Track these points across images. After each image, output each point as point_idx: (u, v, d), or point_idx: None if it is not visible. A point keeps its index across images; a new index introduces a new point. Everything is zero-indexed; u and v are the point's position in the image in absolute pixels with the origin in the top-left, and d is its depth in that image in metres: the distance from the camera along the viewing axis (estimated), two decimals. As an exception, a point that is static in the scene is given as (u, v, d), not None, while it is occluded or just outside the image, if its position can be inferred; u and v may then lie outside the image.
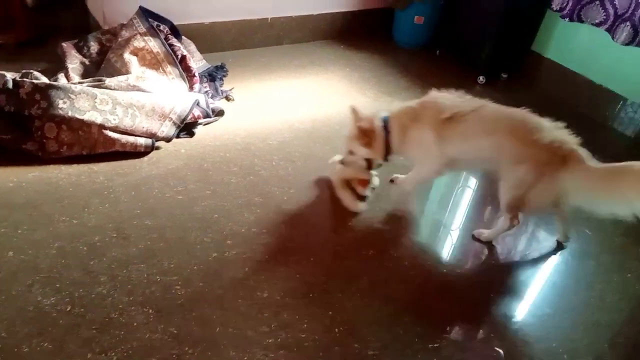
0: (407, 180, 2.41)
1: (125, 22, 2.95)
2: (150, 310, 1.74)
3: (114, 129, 2.36)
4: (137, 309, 1.74)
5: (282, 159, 2.57)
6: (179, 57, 2.84)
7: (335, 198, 2.37)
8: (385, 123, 2.23)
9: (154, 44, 2.82)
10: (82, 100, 2.32)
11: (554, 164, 1.93)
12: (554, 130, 1.98)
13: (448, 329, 1.86)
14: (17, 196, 2.12)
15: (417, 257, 2.16)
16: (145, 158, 2.45)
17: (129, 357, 1.59)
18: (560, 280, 2.16)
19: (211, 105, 2.80)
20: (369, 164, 2.33)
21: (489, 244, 2.25)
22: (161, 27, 2.94)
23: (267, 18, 3.62)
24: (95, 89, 2.40)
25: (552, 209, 2.21)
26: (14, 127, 2.31)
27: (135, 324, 1.69)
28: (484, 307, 1.99)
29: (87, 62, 2.86)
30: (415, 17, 3.88)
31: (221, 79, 3.14)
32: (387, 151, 2.27)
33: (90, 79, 2.57)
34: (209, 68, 3.15)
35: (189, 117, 2.60)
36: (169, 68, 2.78)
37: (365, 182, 2.35)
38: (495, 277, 2.13)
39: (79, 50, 2.91)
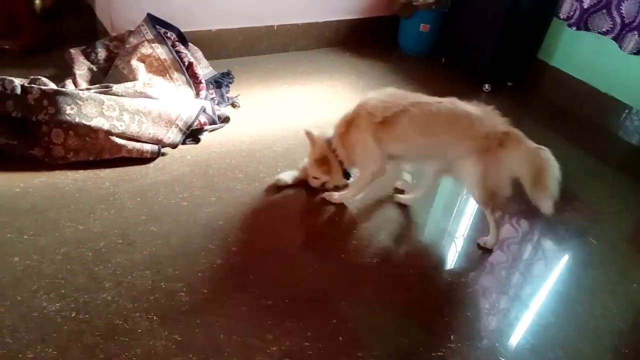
0: (351, 189, 2.37)
1: (133, 29, 2.98)
2: (155, 317, 1.74)
3: (121, 135, 2.38)
4: (142, 315, 1.74)
5: (287, 165, 2.57)
6: (186, 64, 2.86)
7: (339, 206, 2.37)
8: (330, 143, 2.27)
9: (161, 51, 2.84)
10: (90, 106, 2.34)
11: (493, 149, 2.02)
12: (484, 118, 2.05)
13: (452, 337, 1.85)
14: (23, 201, 2.13)
15: (421, 265, 2.16)
16: (151, 164, 2.46)
17: (132, 363, 1.60)
18: (565, 289, 2.15)
19: (217, 112, 2.82)
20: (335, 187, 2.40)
21: (494, 252, 2.25)
22: (168, 34, 2.96)
23: (273, 25, 3.64)
24: (103, 95, 2.41)
25: None
26: (21, 132, 2.32)
27: (139, 330, 1.69)
28: (488, 316, 1.98)
29: (94, 68, 2.89)
30: (421, 24, 3.90)
31: (227, 86, 3.16)
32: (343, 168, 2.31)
33: (97, 85, 2.59)
34: (215, 75, 3.17)
35: (195, 123, 2.61)
36: (175, 75, 2.80)
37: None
38: (499, 286, 2.13)
39: (87, 56, 2.94)
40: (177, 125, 2.55)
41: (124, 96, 2.48)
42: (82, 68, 2.84)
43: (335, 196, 2.37)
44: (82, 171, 2.33)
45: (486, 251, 2.24)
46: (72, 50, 2.94)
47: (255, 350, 1.69)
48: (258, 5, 3.51)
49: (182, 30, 3.10)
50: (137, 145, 2.43)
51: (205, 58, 3.22)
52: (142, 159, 2.46)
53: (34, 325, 1.66)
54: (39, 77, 2.50)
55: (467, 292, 2.08)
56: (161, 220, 2.15)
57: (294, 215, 2.29)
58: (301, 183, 2.45)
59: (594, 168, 3.01)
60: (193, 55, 3.04)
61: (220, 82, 3.14)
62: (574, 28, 3.28)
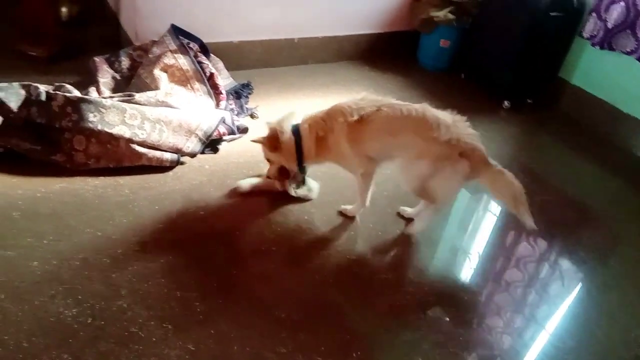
0: (358, 203, 2.37)
1: (156, 39, 3.03)
2: (169, 326, 1.74)
3: (141, 144, 2.41)
4: (157, 323, 1.75)
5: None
6: (208, 74, 2.89)
7: (354, 221, 2.36)
8: (295, 131, 2.26)
9: (183, 62, 2.87)
10: (112, 114, 2.37)
11: (452, 159, 2.03)
12: (452, 127, 2.05)
13: (468, 358, 1.83)
14: (44, 207, 2.16)
15: (436, 282, 2.14)
16: (170, 173, 2.49)
17: (146, 372, 1.60)
18: (583, 311, 2.12)
19: (236, 123, 2.84)
20: (285, 173, 2.37)
21: (512, 271, 2.22)
22: (191, 45, 3.00)
23: (294, 38, 3.67)
24: (125, 103, 2.45)
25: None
26: (44, 138, 2.36)
27: (153, 339, 1.69)
28: (506, 336, 1.96)
29: (118, 76, 2.93)
30: (441, 40, 3.90)
31: (246, 97, 3.19)
32: (301, 158, 2.29)
33: (120, 93, 2.63)
34: (235, 85, 3.20)
35: (214, 133, 2.64)
36: (197, 85, 2.83)
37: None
38: (517, 306, 2.10)
39: (111, 65, 2.98)
40: (197, 135, 2.58)
41: (146, 105, 2.51)
42: (105, 76, 2.88)
43: (349, 209, 2.37)
44: (102, 178, 2.36)
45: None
46: (97, 59, 2.99)
47: (269, 363, 1.68)
48: (279, 19, 3.55)
49: (205, 41, 3.14)
50: (157, 153, 2.45)
51: (226, 69, 3.26)
52: (161, 168, 2.48)
53: (50, 330, 1.67)
54: (63, 84, 2.56)
55: (483, 312, 2.05)
56: (178, 228, 2.17)
57: (310, 228, 2.29)
58: (264, 191, 2.45)
59: (615, 189, 2.97)
60: (214, 66, 3.08)
61: (239, 93, 3.17)
62: (598, 47, 3.26)
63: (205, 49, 3.12)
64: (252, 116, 3.06)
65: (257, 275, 2.02)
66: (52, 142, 2.36)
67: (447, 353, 1.82)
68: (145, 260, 1.99)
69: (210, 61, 3.06)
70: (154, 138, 2.44)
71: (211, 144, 2.67)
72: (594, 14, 3.28)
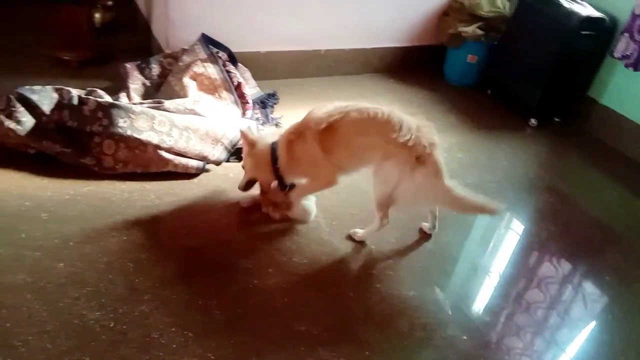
0: (297, 190, 2.33)
1: (187, 48, 3.07)
2: (190, 334, 1.75)
3: (169, 150, 2.44)
4: (177, 330, 1.76)
5: (327, 189, 2.57)
6: (235, 83, 2.93)
7: (374, 238, 2.34)
8: (274, 148, 2.25)
9: (212, 70, 2.91)
10: (142, 120, 2.41)
11: (410, 163, 2.04)
12: (414, 130, 2.05)
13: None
14: (71, 209, 2.20)
15: (457, 301, 2.12)
16: (195, 180, 2.51)
17: (165, 378, 1.61)
18: (609, 338, 2.07)
19: (261, 132, 2.86)
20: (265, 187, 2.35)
21: (533, 292, 2.18)
22: (220, 54, 3.04)
23: (321, 50, 3.70)
24: (154, 110, 2.49)
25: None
26: (74, 141, 2.41)
27: (174, 345, 1.71)
28: (525, 358, 1.92)
29: (148, 83, 2.98)
30: (469, 56, 3.88)
31: (272, 107, 3.21)
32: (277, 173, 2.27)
33: (150, 100, 2.67)
34: (261, 95, 3.23)
35: (240, 142, 2.66)
36: (224, 94, 2.87)
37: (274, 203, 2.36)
38: (541, 331, 2.06)
39: (141, 71, 3.03)
40: (223, 144, 2.60)
41: (175, 112, 2.54)
42: (136, 82, 2.94)
43: (359, 233, 2.33)
44: (129, 182, 2.40)
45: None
46: (128, 65, 3.05)
47: (287, 376, 1.68)
48: (307, 30, 3.57)
49: (233, 50, 3.18)
50: (183, 160, 2.48)
51: (253, 78, 3.29)
52: (187, 174, 2.51)
53: (73, 332, 1.69)
54: (94, 89, 2.61)
55: (504, 331, 2.02)
56: (201, 235, 2.19)
57: (331, 240, 2.29)
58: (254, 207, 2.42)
59: (643, 212, 2.91)
60: (242, 75, 3.11)
61: (265, 103, 3.19)
62: (632, 69, 3.20)
63: (233, 59, 3.16)
64: (276, 126, 3.08)
65: (276, 286, 2.02)
66: (82, 146, 2.40)
67: (467, 374, 1.80)
68: (168, 266, 2.01)
69: (238, 70, 3.10)
70: (181, 145, 2.47)
71: (236, 152, 2.69)
72: (626, 34, 3.23)
